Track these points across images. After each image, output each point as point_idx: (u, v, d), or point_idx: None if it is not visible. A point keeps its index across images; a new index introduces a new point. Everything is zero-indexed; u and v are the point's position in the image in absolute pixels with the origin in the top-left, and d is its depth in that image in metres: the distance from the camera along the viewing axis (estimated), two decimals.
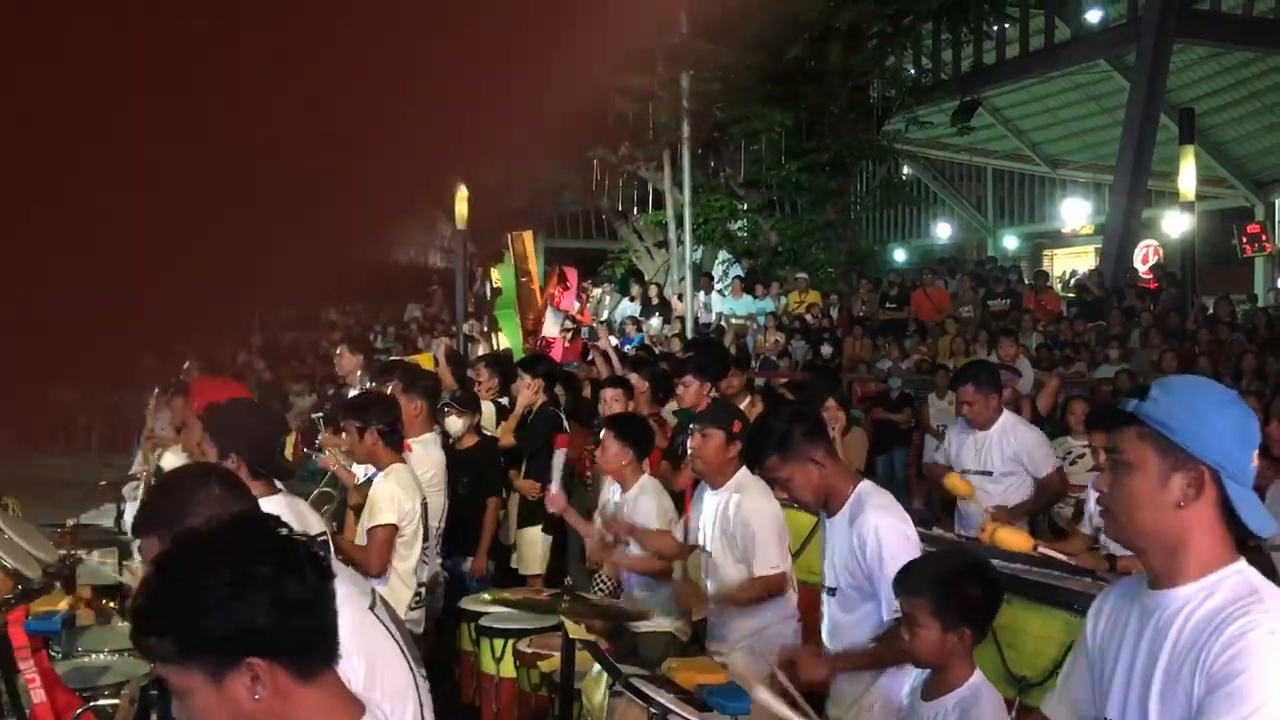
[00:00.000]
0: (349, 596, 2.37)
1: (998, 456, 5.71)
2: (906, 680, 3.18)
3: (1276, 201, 24.11)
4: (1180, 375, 2.21)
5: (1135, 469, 1.98)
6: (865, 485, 3.53)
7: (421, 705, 2.38)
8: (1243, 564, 1.97)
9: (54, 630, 3.70)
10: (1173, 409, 1.97)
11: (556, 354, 9.41)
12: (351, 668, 2.03)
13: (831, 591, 3.56)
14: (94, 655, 4.02)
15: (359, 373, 7.52)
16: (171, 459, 6.21)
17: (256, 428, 3.85)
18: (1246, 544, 2.03)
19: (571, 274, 10.02)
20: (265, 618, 1.59)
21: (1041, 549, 4.63)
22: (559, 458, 5.88)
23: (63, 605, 3.92)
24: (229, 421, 3.87)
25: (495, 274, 9.14)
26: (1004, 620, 4.15)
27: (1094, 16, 20.79)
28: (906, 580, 3.01)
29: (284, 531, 1.71)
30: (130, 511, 6.43)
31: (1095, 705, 2.14)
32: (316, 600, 1.67)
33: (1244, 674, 1.81)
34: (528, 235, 10.24)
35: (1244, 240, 22.01)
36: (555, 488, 5.36)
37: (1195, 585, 1.95)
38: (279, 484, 3.89)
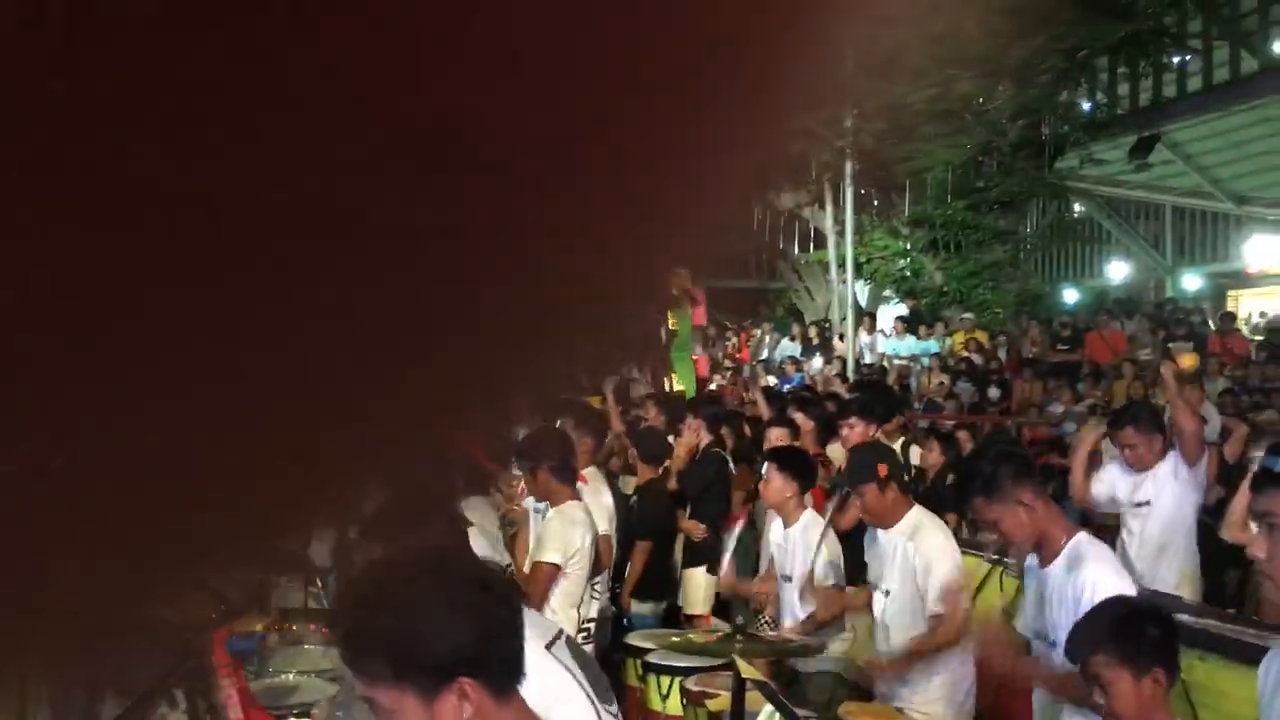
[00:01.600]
0: (528, 635, 2.45)
1: (1158, 487, 5.55)
2: None
3: None
4: None
5: None
6: (1084, 535, 3.43)
7: None
8: None
9: (252, 650, 3.88)
10: None
11: (702, 370, 9.51)
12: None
13: (1052, 644, 3.43)
14: (284, 675, 4.20)
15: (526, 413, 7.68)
16: None
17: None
18: None
19: (699, 292, 10.06)
20: (475, 641, 1.69)
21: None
22: (732, 537, 5.89)
23: (259, 626, 4.12)
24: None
25: (671, 318, 9.26)
26: (1200, 678, 3.97)
27: None
28: (1080, 639, 2.87)
29: (477, 560, 1.82)
30: (320, 539, 6.73)
31: None
32: (513, 625, 1.77)
33: None
34: (684, 273, 10.32)
35: None
36: (726, 568, 5.37)
37: None
38: (474, 513, 4.01)
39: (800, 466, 5.12)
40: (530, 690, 2.20)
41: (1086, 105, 19.89)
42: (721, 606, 6.60)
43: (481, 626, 1.70)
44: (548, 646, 2.52)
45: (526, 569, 4.77)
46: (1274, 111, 20.92)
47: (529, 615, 2.71)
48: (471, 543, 3.70)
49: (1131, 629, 2.79)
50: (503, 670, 1.75)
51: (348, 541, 5.93)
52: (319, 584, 5.61)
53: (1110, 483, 5.81)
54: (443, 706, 1.68)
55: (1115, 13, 15.64)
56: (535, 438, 5.12)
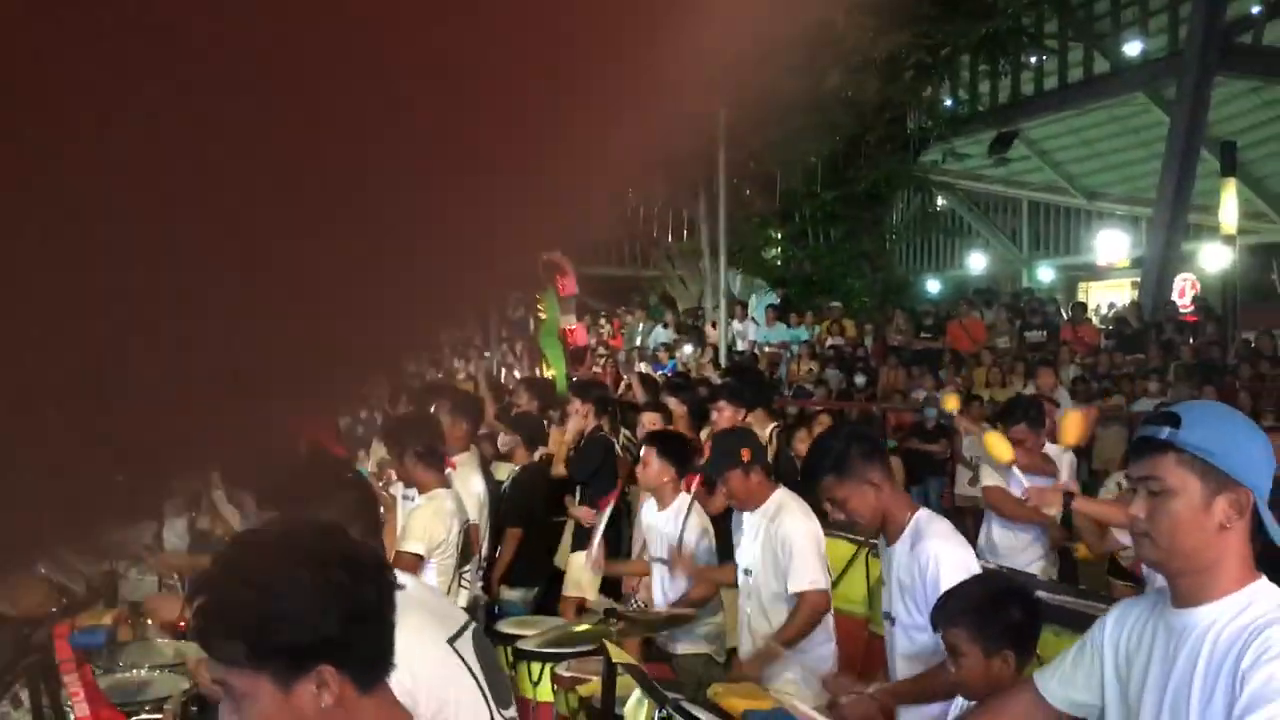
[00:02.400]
0: (424, 626, 2.32)
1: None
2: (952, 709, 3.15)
3: None
4: (1200, 402, 2.24)
5: (1177, 494, 2.01)
6: (924, 513, 3.50)
7: None
8: (1264, 581, 2.03)
9: (98, 644, 3.71)
10: (1208, 434, 2.01)
11: (581, 338, 9.43)
12: (418, 697, 1.97)
13: (894, 620, 3.52)
14: (135, 670, 4.02)
15: (387, 394, 7.52)
16: None
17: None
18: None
19: (565, 262, 9.92)
20: (339, 626, 1.58)
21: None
22: (601, 519, 5.84)
23: (107, 620, 3.93)
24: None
25: (539, 305, 9.10)
26: (1052, 653, 4.10)
27: (1133, 49, 20.72)
28: (944, 610, 2.99)
29: (350, 539, 1.70)
30: (170, 528, 6.48)
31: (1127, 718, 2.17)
32: (384, 611, 1.66)
33: (1275, 682, 1.86)
34: (556, 254, 10.20)
35: None
36: (596, 550, 5.33)
37: (1222, 603, 2.00)
38: None
39: (679, 451, 5.14)
40: (426, 685, 2.11)
41: (949, 101, 20.47)
42: (605, 587, 6.59)
43: (349, 611, 1.59)
44: (451, 640, 2.39)
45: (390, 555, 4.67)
46: (1123, 111, 21.92)
47: (435, 606, 2.61)
48: None
49: (994, 608, 2.91)
50: (368, 660, 1.64)
51: (198, 529, 5.73)
52: (174, 576, 5.42)
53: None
54: (300, 694, 1.58)
55: (976, 12, 16.13)
56: (403, 422, 5.02)
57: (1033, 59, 19.98)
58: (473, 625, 2.51)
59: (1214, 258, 19.06)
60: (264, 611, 1.56)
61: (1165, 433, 2.03)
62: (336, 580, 1.59)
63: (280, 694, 1.58)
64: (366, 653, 1.64)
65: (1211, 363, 13.25)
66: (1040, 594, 4.46)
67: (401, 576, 2.03)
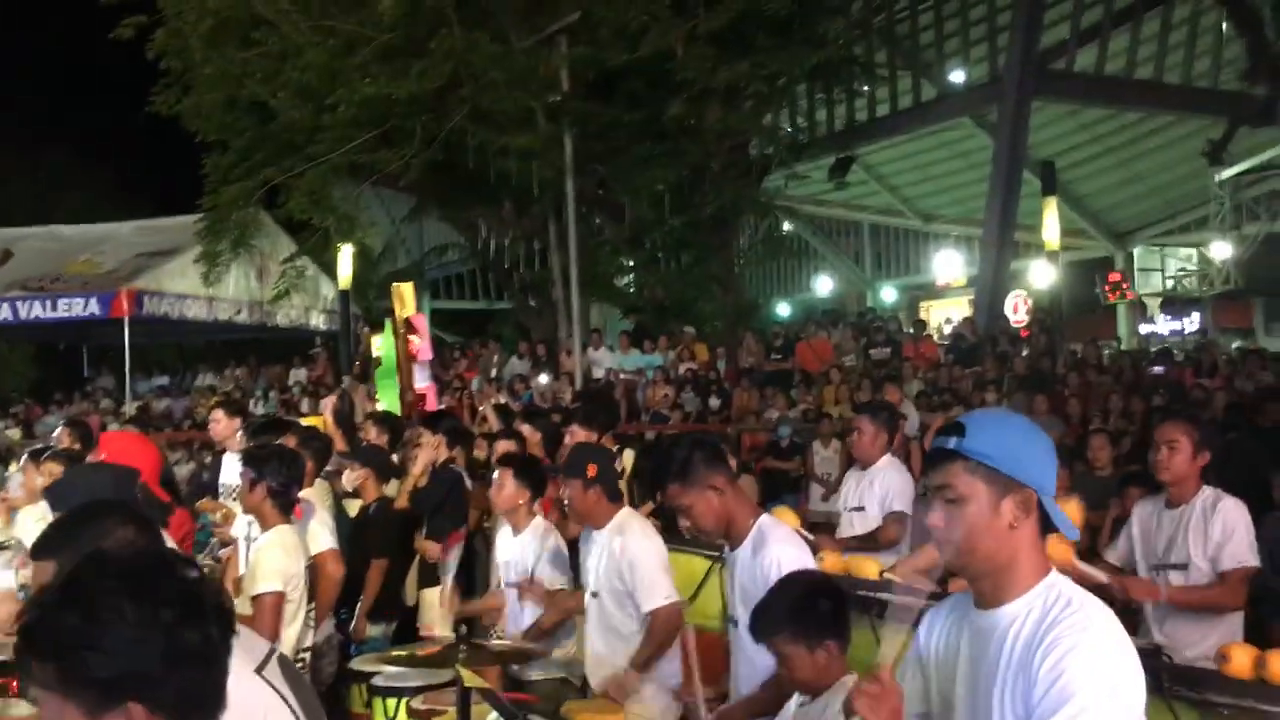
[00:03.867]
0: (235, 658, 2.29)
1: (871, 495, 5.89)
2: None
3: (1134, 251, 25.36)
4: (984, 410, 2.37)
5: (969, 500, 2.13)
6: (766, 519, 3.58)
7: None
8: (1055, 575, 2.15)
9: None
10: (990, 441, 2.14)
11: (432, 402, 9.29)
12: None
13: (737, 623, 3.58)
14: None
15: (238, 435, 7.32)
16: (25, 517, 6.00)
17: (105, 486, 3.53)
18: None
19: (419, 320, 9.83)
20: (158, 665, 1.52)
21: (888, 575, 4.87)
22: (453, 555, 5.76)
23: None
24: (78, 487, 3.59)
25: (375, 343, 8.91)
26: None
27: (957, 77, 21.72)
28: (761, 625, 3.11)
29: (194, 576, 1.64)
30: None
31: None
32: (212, 654, 1.61)
33: (1065, 676, 1.96)
34: (407, 287, 10.08)
35: (1107, 288, 23.07)
36: (449, 590, 5.26)
37: (1019, 602, 2.11)
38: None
39: (532, 474, 5.16)
40: (237, 713, 2.05)
41: (789, 128, 21.07)
42: (458, 623, 6.51)
43: (168, 649, 1.53)
44: (258, 670, 2.35)
45: (242, 604, 4.54)
46: (951, 136, 22.92)
47: (240, 636, 2.55)
48: None
49: (804, 606, 3.05)
50: (184, 702, 1.57)
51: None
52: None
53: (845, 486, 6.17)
54: None
55: (809, 41, 16.66)
56: (267, 453, 4.88)
57: (864, 87, 20.71)
58: (276, 652, 2.48)
59: (1041, 274, 20.06)
60: (80, 639, 1.51)
61: (952, 442, 2.15)
62: (162, 618, 1.53)
63: None
64: (185, 696, 1.58)
65: (1042, 373, 13.92)
66: (885, 595, 4.64)
67: None
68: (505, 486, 5.01)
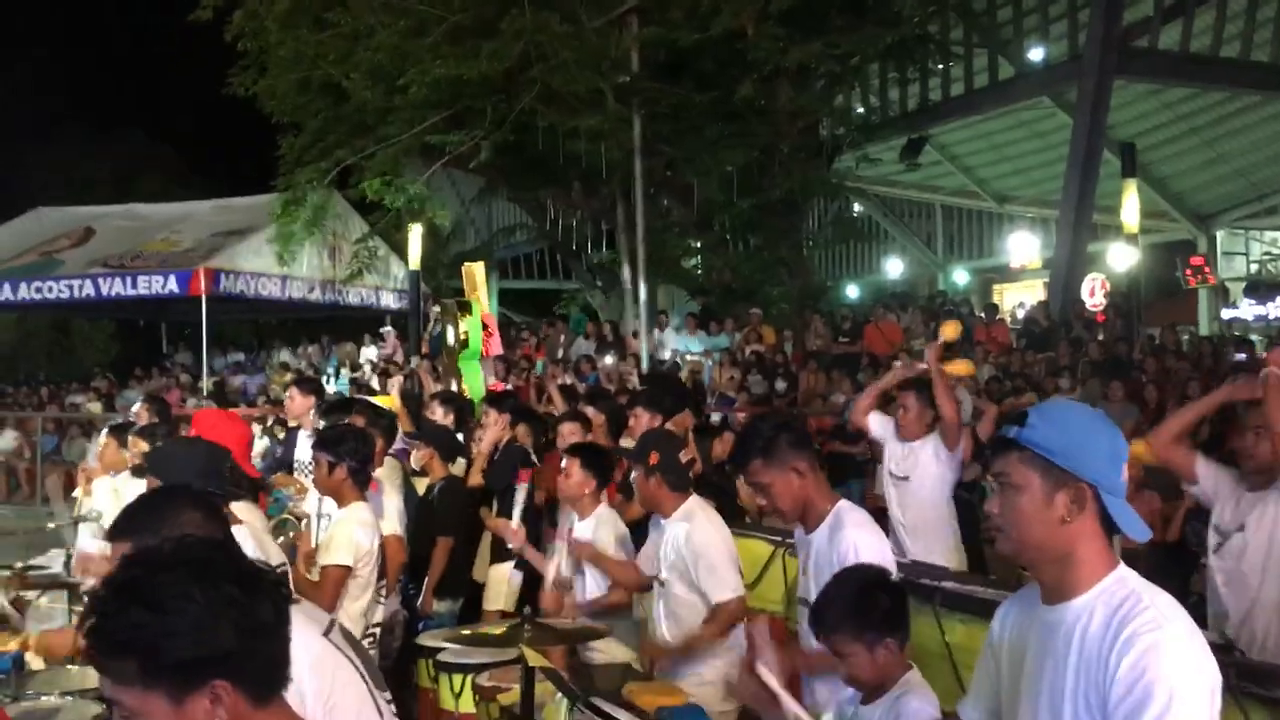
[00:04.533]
0: (303, 625, 2.37)
1: (915, 464, 6.01)
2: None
3: (1218, 234, 24.66)
4: (1056, 400, 2.35)
5: (1022, 490, 2.13)
6: (844, 504, 3.57)
7: None
8: (1122, 569, 2.12)
9: (4, 670, 3.63)
10: (1050, 433, 2.12)
11: (497, 387, 9.37)
12: (305, 695, 2.01)
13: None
14: (45, 697, 3.94)
15: (311, 414, 7.46)
16: (101, 487, 6.20)
17: (200, 460, 3.74)
18: None
19: (491, 319, 9.90)
20: (233, 641, 1.57)
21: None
22: (520, 492, 5.85)
23: (12, 646, 3.85)
24: (174, 457, 3.81)
25: (464, 325, 8.95)
26: (960, 640, 4.21)
27: (1036, 55, 21.23)
28: (821, 621, 3.07)
29: (248, 557, 1.71)
30: (83, 548, 6.36)
31: (1008, 715, 2.26)
32: (278, 625, 1.66)
33: (1147, 675, 1.93)
34: (477, 267, 10.16)
35: (1188, 272, 22.48)
36: (516, 523, 5.33)
37: (1086, 596, 2.09)
38: (241, 514, 3.85)
39: (599, 462, 5.18)
40: (313, 681, 2.14)
41: (860, 109, 20.81)
42: (522, 605, 6.57)
43: (243, 626, 1.58)
44: (325, 634, 2.46)
45: (314, 575, 4.64)
46: (1028, 115, 22.45)
47: (303, 606, 2.65)
48: (249, 545, 3.57)
49: (864, 604, 3.01)
50: (262, 673, 1.64)
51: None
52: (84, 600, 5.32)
53: (884, 429, 6.18)
54: (193, 709, 1.57)
55: (883, 20, 16.42)
56: (340, 433, 4.98)
57: (939, 65, 20.36)
58: (337, 622, 2.56)
59: (1120, 257, 19.60)
60: (155, 629, 1.55)
61: (1012, 432, 2.15)
62: (229, 595, 1.58)
63: (173, 710, 1.57)
64: (261, 667, 1.64)
65: (1118, 359, 13.63)
66: (949, 584, 4.60)
67: None
68: (572, 475, 5.04)
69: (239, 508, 3.88)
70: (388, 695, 2.48)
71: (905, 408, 6.04)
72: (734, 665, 4.17)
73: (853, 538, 3.38)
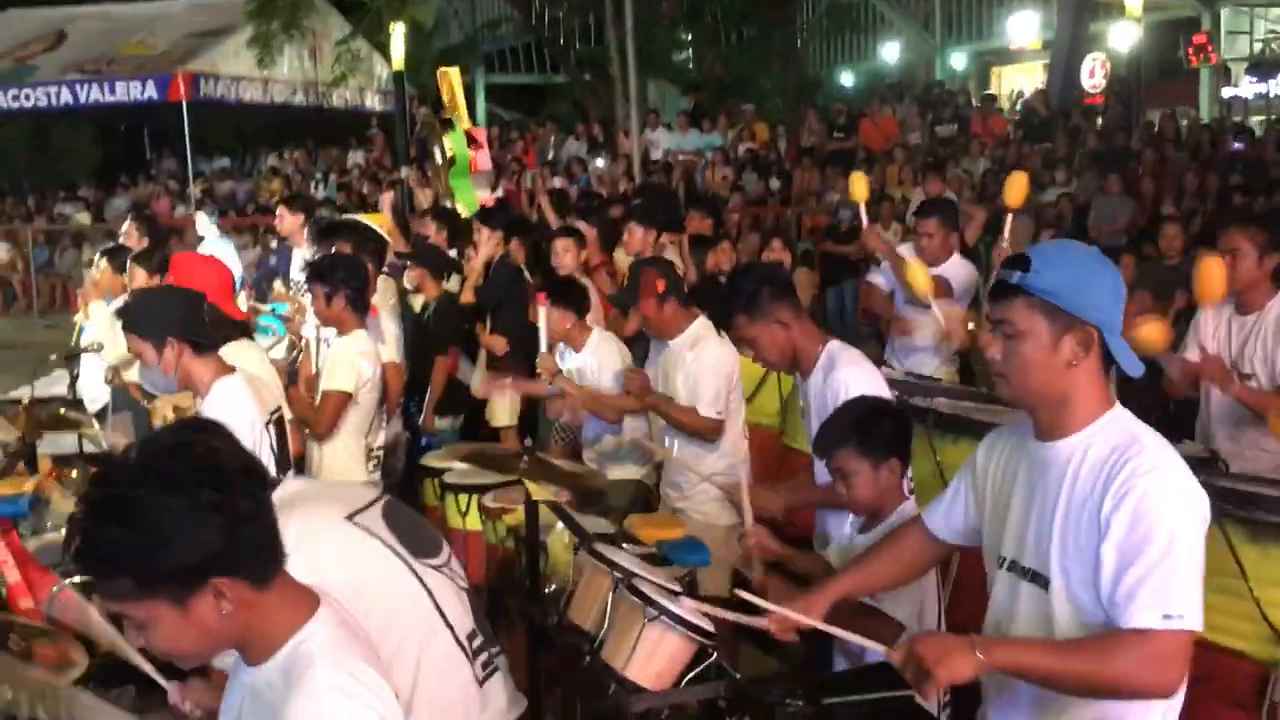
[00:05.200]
0: (313, 513, 2.38)
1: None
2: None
3: (1222, 11, 23.86)
4: (1052, 242, 2.31)
5: (1026, 336, 2.12)
6: (834, 344, 3.59)
7: (439, 607, 2.42)
8: (1118, 409, 2.16)
9: (23, 513, 3.74)
10: (1055, 277, 2.10)
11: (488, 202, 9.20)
12: (325, 582, 2.00)
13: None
14: (64, 530, 4.07)
15: (303, 231, 7.41)
16: (98, 313, 6.24)
17: (179, 306, 3.68)
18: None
19: (479, 133, 9.58)
20: (219, 540, 1.60)
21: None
22: (542, 318, 5.71)
23: (28, 487, 3.96)
24: (149, 311, 3.70)
25: (448, 141, 8.68)
26: (951, 459, 4.32)
27: None
28: (828, 437, 3.16)
29: (215, 445, 1.69)
30: (86, 376, 6.46)
31: (989, 543, 2.34)
32: (260, 509, 1.69)
33: (1147, 516, 2.00)
34: (454, 72, 9.77)
35: (1190, 51, 21.89)
36: (545, 347, 5.30)
37: (1080, 435, 2.13)
38: (232, 357, 3.85)
39: (571, 295, 5.18)
40: (330, 567, 2.14)
41: None
42: (524, 421, 6.70)
43: (225, 524, 1.60)
44: (350, 516, 2.42)
45: (316, 397, 4.72)
46: None
47: (321, 491, 2.64)
48: (240, 394, 3.60)
49: (870, 425, 3.10)
50: (256, 559, 1.67)
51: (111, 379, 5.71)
52: (95, 424, 5.43)
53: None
54: (200, 607, 1.62)
55: None
56: (334, 262, 4.97)
57: None
58: (384, 499, 2.55)
59: (1122, 36, 19.02)
60: (139, 546, 1.57)
61: (1015, 277, 2.12)
62: (206, 499, 1.59)
63: (179, 613, 1.62)
64: (254, 554, 1.67)
65: (1115, 150, 13.45)
66: (941, 400, 4.70)
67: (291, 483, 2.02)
68: (550, 318, 5.04)
69: (229, 351, 3.89)
70: (438, 559, 2.49)
71: (929, 234, 5.83)
72: (730, 470, 4.28)
73: (844, 377, 3.43)
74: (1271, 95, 21.94)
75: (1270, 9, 23.60)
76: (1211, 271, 4.17)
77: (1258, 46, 23.84)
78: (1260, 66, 23.02)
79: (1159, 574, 1.98)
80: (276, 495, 1.82)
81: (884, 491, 3.08)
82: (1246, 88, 22.70)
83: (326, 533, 2.33)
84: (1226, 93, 22.52)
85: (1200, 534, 2.03)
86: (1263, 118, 18.95)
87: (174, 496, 1.58)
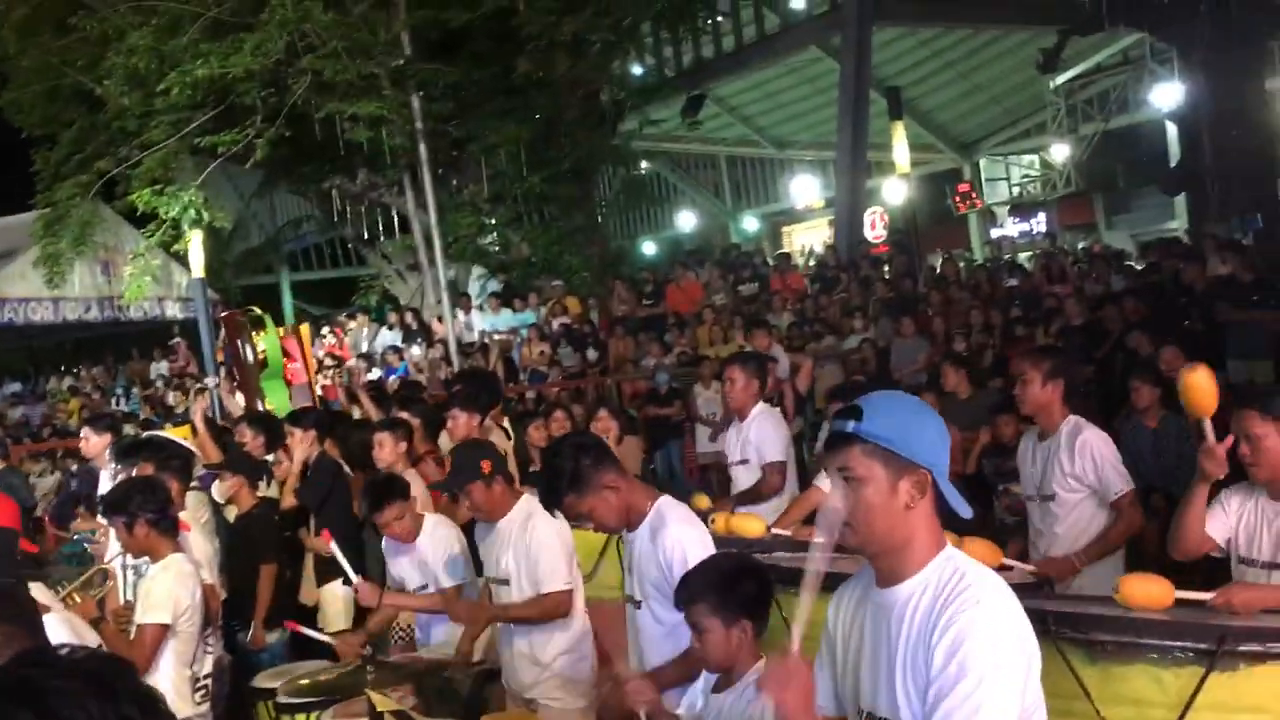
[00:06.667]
0: None
1: (749, 447, 5.96)
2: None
3: (980, 161, 26.12)
4: (880, 392, 2.39)
5: (866, 482, 2.19)
6: (665, 500, 3.63)
7: None
8: (950, 549, 2.23)
9: None
10: (886, 423, 2.19)
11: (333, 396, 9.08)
12: None
13: (638, 604, 3.64)
14: None
15: (107, 453, 7.09)
16: None
17: None
18: None
19: (292, 344, 9.48)
20: None
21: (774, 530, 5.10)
22: (336, 549, 5.47)
23: None
24: None
25: (259, 341, 8.54)
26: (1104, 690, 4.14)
27: (799, 4, 21.90)
28: (685, 590, 3.17)
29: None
30: None
31: (848, 696, 2.35)
32: None
33: (961, 651, 2.05)
34: (304, 329, 9.76)
35: (957, 199, 23.76)
36: (356, 579, 5.11)
37: (917, 578, 2.19)
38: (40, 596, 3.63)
39: (394, 489, 5.11)
40: None
41: (638, 71, 20.96)
42: (360, 617, 6.43)
43: None
44: None
45: (131, 631, 4.45)
46: (798, 62, 23.15)
47: None
48: (61, 632, 3.38)
49: (731, 584, 3.12)
50: None
51: None
52: None
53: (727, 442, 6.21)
54: None
55: None
56: (126, 489, 4.74)
57: (710, 23, 20.70)
58: None
59: (894, 191, 20.53)
60: None
61: (850, 426, 2.20)
62: (127, 714, 1.52)
63: None
64: None
65: (904, 295, 14.31)
66: (780, 554, 4.76)
67: None
68: (385, 514, 4.97)
69: (36, 590, 3.66)
70: None
71: (731, 380, 5.95)
72: (580, 660, 4.23)
73: (676, 534, 3.47)
74: (1034, 232, 23.98)
75: (1022, 155, 25.95)
76: (1197, 383, 3.64)
77: (1015, 190, 26.09)
78: (1019, 208, 25.25)
79: (968, 706, 2.01)
80: None
81: (734, 651, 3.07)
82: (1011, 227, 24.78)
83: None
84: (994, 233, 24.48)
85: (1021, 673, 2.08)
86: (1029, 253, 20.59)
87: (96, 702, 1.50)
